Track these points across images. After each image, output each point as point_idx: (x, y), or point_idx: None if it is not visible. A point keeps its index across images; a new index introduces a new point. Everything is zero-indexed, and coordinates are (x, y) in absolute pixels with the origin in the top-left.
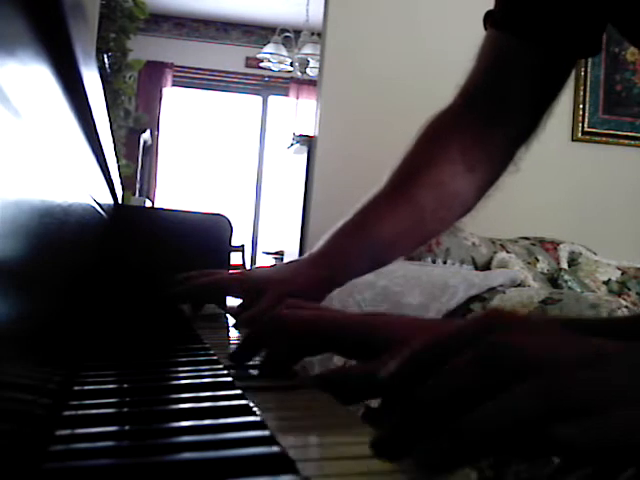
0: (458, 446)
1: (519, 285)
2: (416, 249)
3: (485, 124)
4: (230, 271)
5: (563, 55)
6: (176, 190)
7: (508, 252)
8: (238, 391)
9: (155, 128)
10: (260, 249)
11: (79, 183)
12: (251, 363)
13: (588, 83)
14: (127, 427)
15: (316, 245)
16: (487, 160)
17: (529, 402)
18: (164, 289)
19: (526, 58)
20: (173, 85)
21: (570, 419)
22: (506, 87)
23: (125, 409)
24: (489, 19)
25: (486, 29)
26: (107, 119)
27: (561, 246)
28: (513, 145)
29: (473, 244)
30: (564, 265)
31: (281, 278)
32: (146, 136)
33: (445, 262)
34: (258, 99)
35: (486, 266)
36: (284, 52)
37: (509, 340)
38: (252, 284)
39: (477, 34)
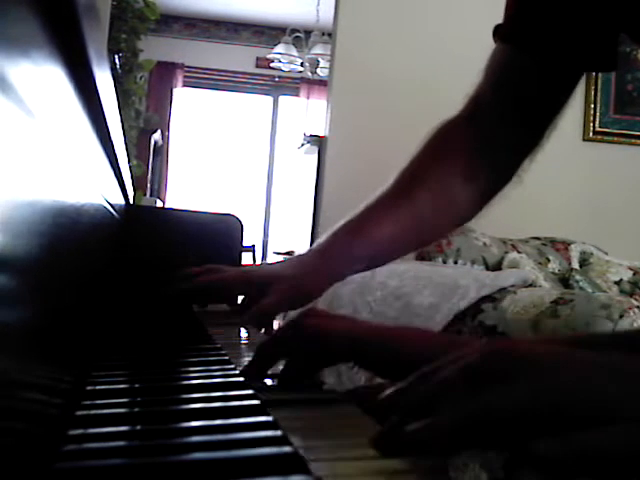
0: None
1: (530, 285)
2: (413, 251)
3: (490, 135)
4: (234, 268)
5: (570, 70)
6: (187, 190)
7: (519, 252)
8: (249, 391)
9: (166, 128)
10: (271, 249)
11: (91, 183)
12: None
13: (599, 83)
14: (139, 427)
15: (318, 240)
16: (490, 171)
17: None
18: (166, 287)
19: (532, 72)
20: (184, 85)
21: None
22: (512, 100)
23: (137, 409)
24: (497, 32)
25: (495, 42)
26: (119, 120)
27: (572, 246)
28: (517, 157)
29: (484, 244)
30: (575, 265)
31: (284, 274)
32: (157, 136)
33: (456, 262)
34: (269, 99)
35: (497, 266)
36: (294, 52)
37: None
38: (256, 281)
39: (489, 35)
